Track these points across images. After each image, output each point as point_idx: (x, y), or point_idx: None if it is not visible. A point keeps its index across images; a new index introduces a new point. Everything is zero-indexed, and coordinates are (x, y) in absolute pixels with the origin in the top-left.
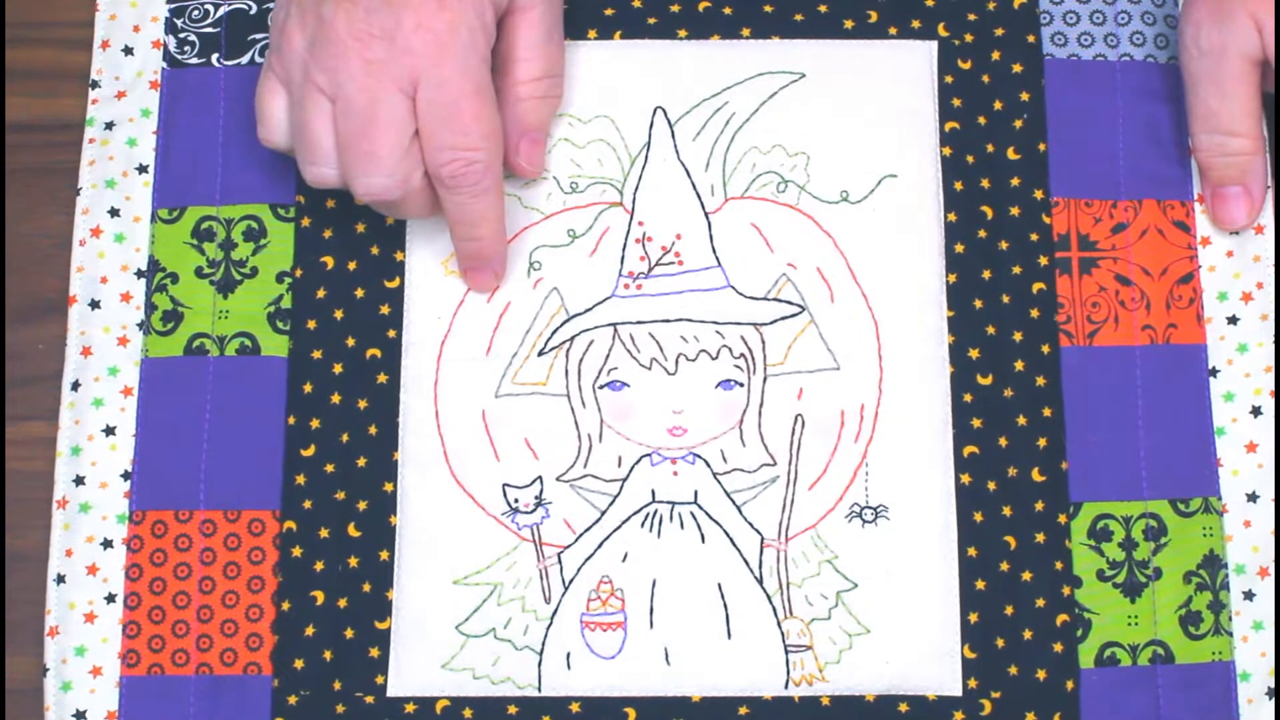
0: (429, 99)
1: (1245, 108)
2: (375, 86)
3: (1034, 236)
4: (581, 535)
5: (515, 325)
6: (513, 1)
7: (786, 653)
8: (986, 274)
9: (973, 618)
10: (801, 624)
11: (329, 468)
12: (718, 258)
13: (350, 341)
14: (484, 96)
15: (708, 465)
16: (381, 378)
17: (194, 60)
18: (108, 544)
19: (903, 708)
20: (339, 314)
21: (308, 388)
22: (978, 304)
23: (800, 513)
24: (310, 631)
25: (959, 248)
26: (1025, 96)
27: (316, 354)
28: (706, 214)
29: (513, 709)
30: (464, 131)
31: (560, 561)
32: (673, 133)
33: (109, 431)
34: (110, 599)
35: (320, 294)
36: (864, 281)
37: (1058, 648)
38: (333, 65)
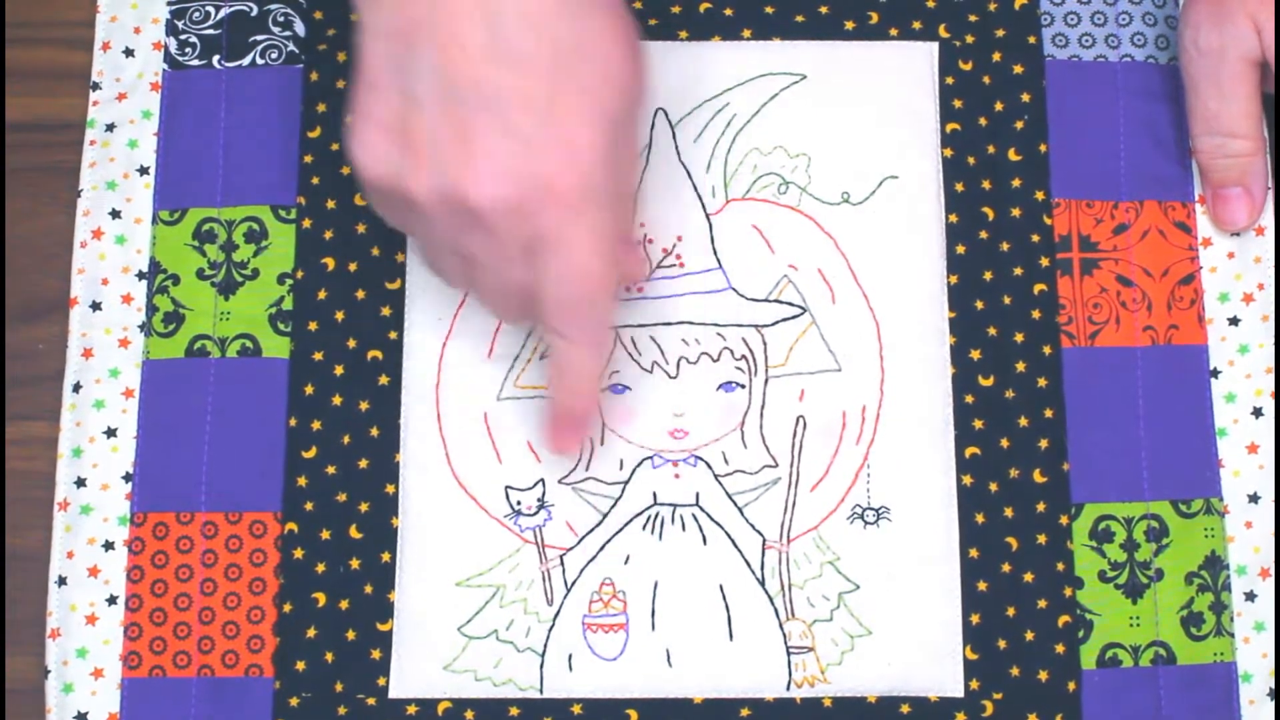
0: (557, 262)
1: (1245, 109)
2: (497, 260)
3: (1035, 238)
4: (584, 538)
5: (517, 328)
6: None
7: (788, 654)
8: (988, 275)
9: (974, 619)
10: (803, 625)
11: (330, 469)
12: (719, 259)
13: (351, 343)
14: (612, 252)
15: (709, 467)
16: (383, 379)
17: (195, 62)
18: (109, 546)
19: (905, 709)
20: (340, 315)
21: (309, 389)
22: (979, 305)
23: (802, 514)
24: (312, 633)
25: (960, 249)
26: (1026, 98)
27: (318, 356)
28: (708, 216)
29: (515, 710)
30: (592, 291)
31: (562, 563)
32: (674, 134)
33: (110, 433)
34: (111, 601)
35: (321, 295)
36: (865, 283)
37: (1059, 649)
38: (459, 234)
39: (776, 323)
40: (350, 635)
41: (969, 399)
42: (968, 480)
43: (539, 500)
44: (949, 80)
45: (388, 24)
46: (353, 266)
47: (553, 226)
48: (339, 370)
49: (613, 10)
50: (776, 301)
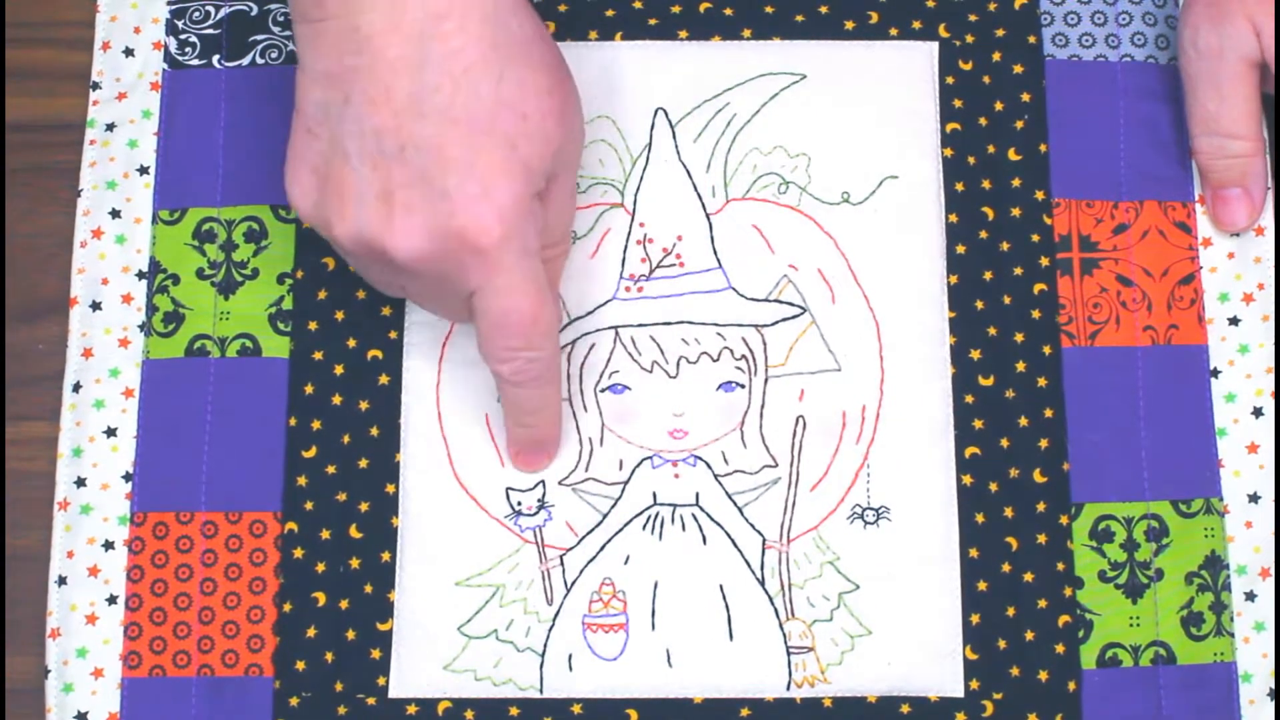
0: (486, 307)
1: (1244, 110)
2: (432, 297)
3: (1035, 237)
4: (584, 538)
5: None
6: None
7: (788, 654)
8: (988, 275)
9: (974, 619)
10: (803, 625)
11: (330, 469)
12: (719, 259)
13: (351, 343)
14: (543, 296)
15: (709, 467)
16: (383, 379)
17: (195, 62)
18: (109, 545)
19: (905, 709)
20: (340, 315)
21: (309, 389)
22: (979, 305)
23: (802, 514)
24: (312, 633)
25: (960, 249)
26: (1026, 97)
27: (318, 355)
28: (708, 215)
29: (514, 710)
30: (524, 335)
31: (562, 563)
32: (674, 133)
33: (110, 433)
34: (111, 600)
35: (321, 295)
36: (865, 283)
37: (1059, 649)
38: (390, 276)
39: (776, 322)
40: (350, 635)
41: (969, 399)
42: (968, 480)
43: (539, 501)
44: (949, 80)
45: (325, 68)
46: (353, 266)
47: (478, 278)
48: (339, 370)
49: (543, 65)
50: (776, 301)
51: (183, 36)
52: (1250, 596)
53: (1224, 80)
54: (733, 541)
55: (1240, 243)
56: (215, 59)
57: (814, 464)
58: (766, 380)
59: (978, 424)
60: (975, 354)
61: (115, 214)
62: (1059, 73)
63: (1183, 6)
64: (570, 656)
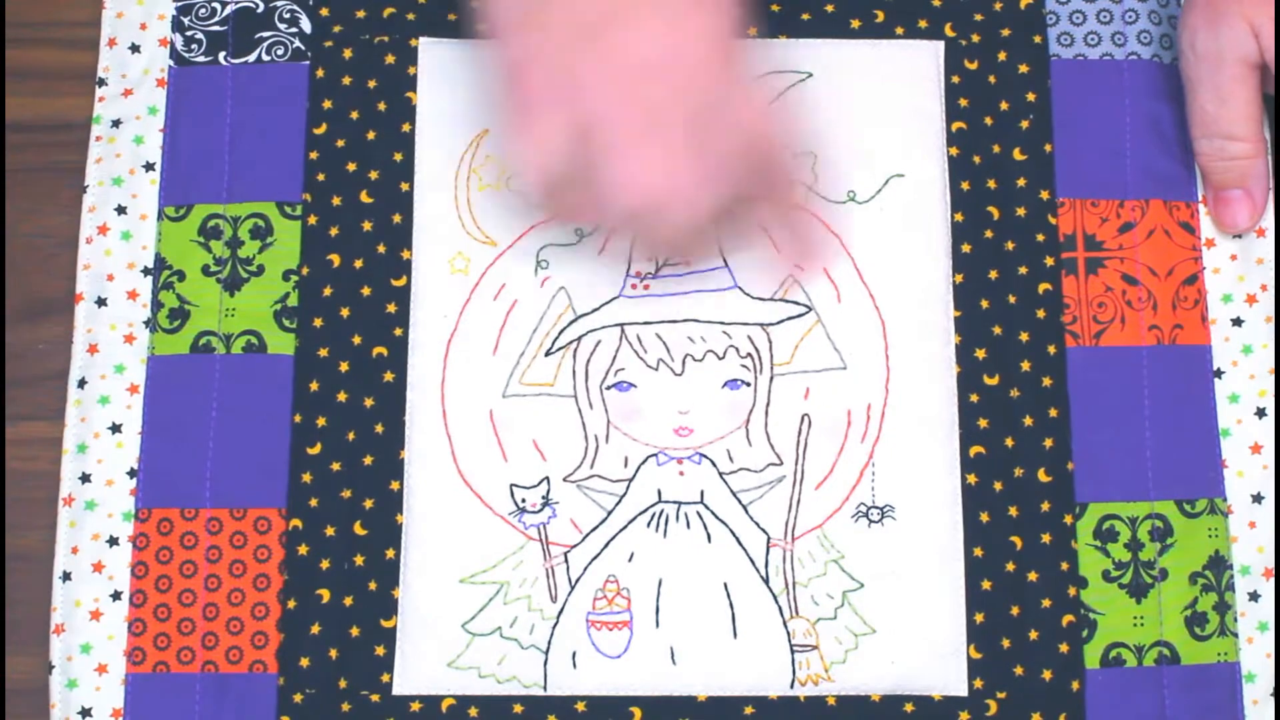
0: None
1: (1244, 112)
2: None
3: (1040, 237)
4: (588, 535)
5: (522, 324)
6: None
7: (792, 652)
8: (993, 274)
9: (979, 618)
10: (807, 624)
11: (335, 466)
12: (725, 258)
13: (357, 340)
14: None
15: (714, 465)
16: (388, 376)
17: (201, 58)
18: (113, 541)
19: (908, 708)
20: (345, 312)
21: (314, 386)
22: (984, 304)
23: (807, 512)
24: (316, 629)
25: (965, 248)
26: (1032, 97)
27: (323, 352)
28: None
29: (518, 708)
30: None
31: (567, 561)
32: None
33: (115, 429)
34: (116, 596)
35: (327, 292)
36: (871, 281)
37: (1063, 648)
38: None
39: (782, 321)
40: (354, 632)
41: (974, 398)
42: (972, 479)
43: (543, 498)
44: (955, 79)
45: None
46: (358, 263)
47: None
48: (344, 367)
49: None
50: (782, 300)
51: (189, 33)
52: (1254, 597)
53: (1223, 82)
54: (737, 539)
55: (1243, 244)
56: (221, 55)
57: (819, 462)
58: (772, 378)
59: (982, 423)
60: (980, 353)
61: (121, 210)
62: (1064, 72)
63: (1182, 9)
64: (574, 654)
